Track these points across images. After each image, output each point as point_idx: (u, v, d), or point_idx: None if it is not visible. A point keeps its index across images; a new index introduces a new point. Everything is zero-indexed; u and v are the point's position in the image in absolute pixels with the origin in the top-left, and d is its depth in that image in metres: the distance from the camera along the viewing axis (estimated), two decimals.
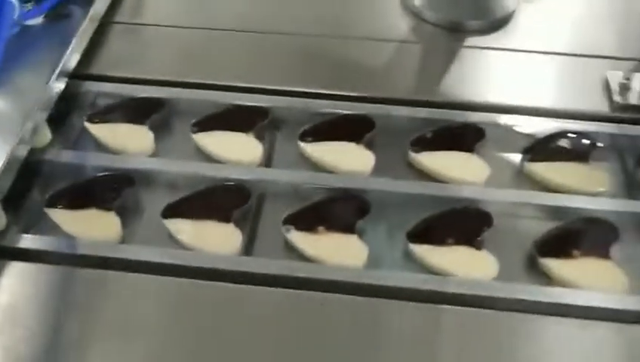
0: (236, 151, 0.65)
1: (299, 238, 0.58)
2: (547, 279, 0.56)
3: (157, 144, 0.66)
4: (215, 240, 0.58)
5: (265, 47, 0.78)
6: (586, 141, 0.66)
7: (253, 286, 0.54)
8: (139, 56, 0.77)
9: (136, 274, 0.55)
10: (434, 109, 0.69)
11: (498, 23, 0.81)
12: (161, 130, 0.68)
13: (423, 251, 0.57)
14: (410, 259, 0.58)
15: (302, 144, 0.66)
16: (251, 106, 0.69)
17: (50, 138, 0.66)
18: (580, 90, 0.72)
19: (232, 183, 0.62)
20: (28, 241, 0.57)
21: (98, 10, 0.76)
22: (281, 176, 0.64)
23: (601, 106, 0.70)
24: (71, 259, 0.56)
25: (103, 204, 0.59)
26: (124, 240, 0.59)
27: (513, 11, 0.82)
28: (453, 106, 0.70)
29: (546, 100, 0.71)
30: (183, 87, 0.71)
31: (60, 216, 0.59)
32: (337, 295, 0.54)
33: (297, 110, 0.69)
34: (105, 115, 0.68)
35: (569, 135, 0.66)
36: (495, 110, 0.69)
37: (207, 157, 0.66)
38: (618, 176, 0.65)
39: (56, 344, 0.51)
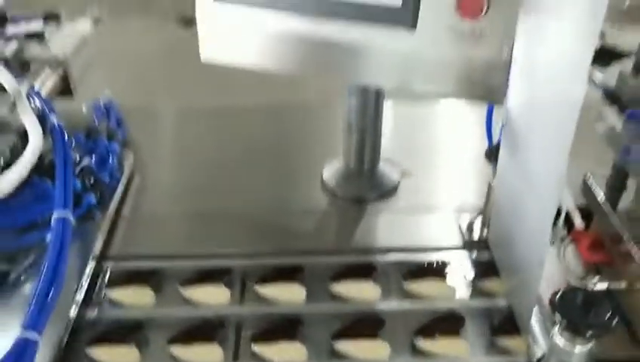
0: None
1: (261, 349, 0.87)
2: (422, 355, 0.86)
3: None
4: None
5: (221, 222, 1.10)
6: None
7: None
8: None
9: None
10: (344, 256, 1.02)
11: (387, 194, 1.17)
12: None
13: (343, 346, 0.86)
14: (335, 354, 0.87)
15: (258, 288, 0.97)
16: (221, 266, 1.01)
17: None
18: (440, 233, 1.08)
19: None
20: None
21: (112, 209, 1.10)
22: (248, 310, 0.94)
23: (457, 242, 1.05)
24: None
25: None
26: None
27: (397, 184, 1.20)
28: (358, 252, 1.03)
29: (420, 241, 1.06)
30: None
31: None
32: None
33: (253, 265, 1.01)
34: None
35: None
36: (386, 251, 1.03)
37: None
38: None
39: None
